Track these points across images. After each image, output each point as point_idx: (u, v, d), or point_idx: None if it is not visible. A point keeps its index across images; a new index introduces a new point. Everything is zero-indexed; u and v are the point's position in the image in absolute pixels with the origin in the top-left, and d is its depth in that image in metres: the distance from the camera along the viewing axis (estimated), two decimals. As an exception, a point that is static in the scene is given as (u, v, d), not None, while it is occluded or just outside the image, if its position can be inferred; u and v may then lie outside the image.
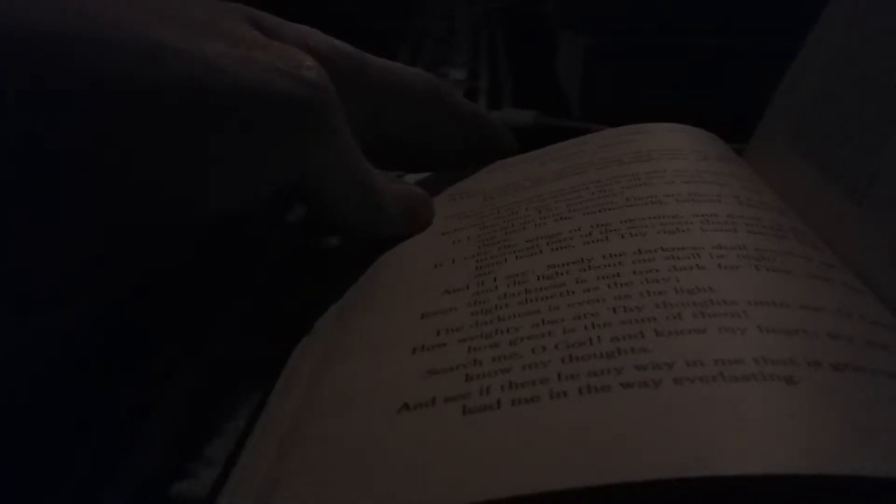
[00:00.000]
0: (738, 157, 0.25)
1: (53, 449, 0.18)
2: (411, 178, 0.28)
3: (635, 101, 0.38)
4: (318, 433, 0.15)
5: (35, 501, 0.17)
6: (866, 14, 0.23)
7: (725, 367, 0.13)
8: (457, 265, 0.20)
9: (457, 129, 0.27)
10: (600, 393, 0.13)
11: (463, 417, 0.13)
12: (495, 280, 0.18)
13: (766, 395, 0.12)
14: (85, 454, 0.18)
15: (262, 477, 0.15)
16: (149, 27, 0.16)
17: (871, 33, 0.22)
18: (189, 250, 0.20)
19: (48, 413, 0.19)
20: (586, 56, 0.39)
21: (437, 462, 0.13)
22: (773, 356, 0.13)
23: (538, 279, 0.17)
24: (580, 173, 0.23)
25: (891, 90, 0.20)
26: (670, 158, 0.22)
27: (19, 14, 0.15)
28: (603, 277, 0.17)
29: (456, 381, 0.14)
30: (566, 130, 0.32)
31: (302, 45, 0.21)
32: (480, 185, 0.26)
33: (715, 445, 0.12)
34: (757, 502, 0.12)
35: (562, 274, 0.17)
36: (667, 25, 0.39)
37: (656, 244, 0.17)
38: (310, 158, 0.19)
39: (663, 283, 0.16)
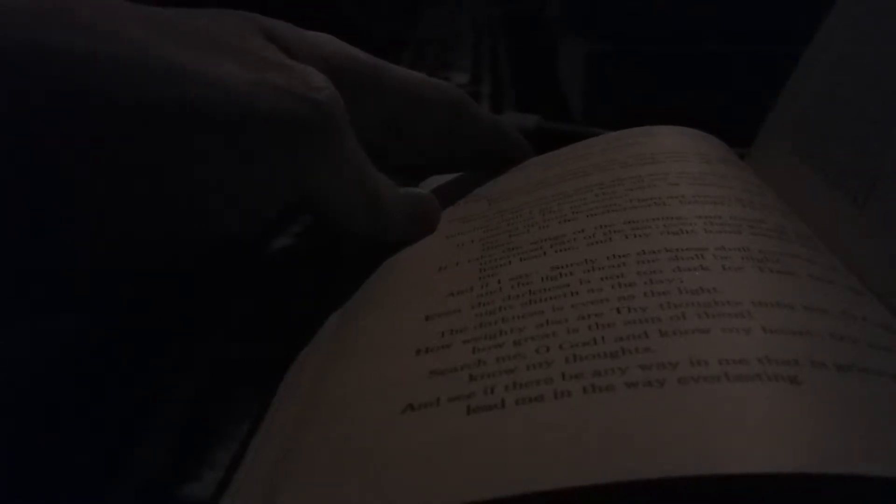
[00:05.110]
0: (741, 160, 0.25)
1: (56, 451, 0.18)
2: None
3: (637, 105, 0.38)
4: (322, 434, 0.15)
5: (38, 503, 0.17)
6: (869, 19, 0.23)
7: (729, 367, 0.13)
8: (461, 268, 0.20)
9: (475, 140, 0.27)
10: (604, 392, 0.13)
11: (467, 417, 0.13)
12: (499, 282, 0.18)
13: (770, 395, 0.12)
14: (88, 456, 0.18)
15: (266, 478, 0.15)
16: (161, 46, 0.16)
17: (873, 38, 0.23)
18: (191, 261, 0.20)
19: (52, 415, 0.19)
20: (588, 60, 0.39)
21: (442, 461, 0.13)
22: (777, 356, 0.13)
23: (542, 280, 0.17)
24: (583, 176, 0.23)
25: (892, 94, 0.20)
26: (674, 161, 0.22)
27: (30, 28, 0.15)
28: (606, 278, 0.17)
29: (460, 381, 0.14)
30: (568, 134, 0.33)
31: (318, 55, 0.21)
32: (485, 188, 0.26)
33: (719, 444, 0.12)
34: (760, 502, 0.12)
35: (565, 275, 0.17)
36: (669, 29, 0.39)
37: (660, 245, 0.17)
38: (315, 178, 0.19)
39: (667, 284, 0.16)
